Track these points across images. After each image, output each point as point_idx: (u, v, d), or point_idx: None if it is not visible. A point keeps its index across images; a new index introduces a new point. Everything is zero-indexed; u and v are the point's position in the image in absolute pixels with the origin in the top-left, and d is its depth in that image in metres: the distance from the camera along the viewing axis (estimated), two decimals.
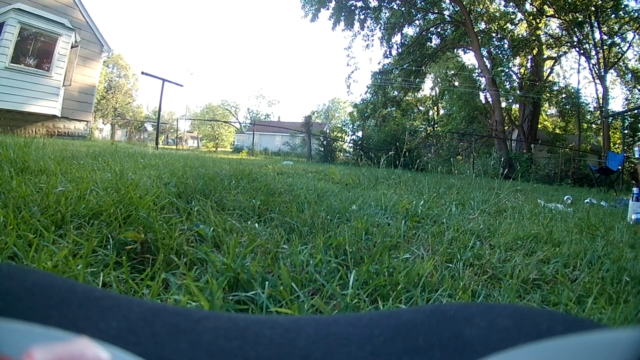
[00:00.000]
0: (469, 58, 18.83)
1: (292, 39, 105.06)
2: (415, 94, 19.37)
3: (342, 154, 12.69)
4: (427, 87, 21.64)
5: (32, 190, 1.32)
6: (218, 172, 2.61)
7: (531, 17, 14.03)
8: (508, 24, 14.68)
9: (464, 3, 13.20)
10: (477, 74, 17.07)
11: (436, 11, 14.76)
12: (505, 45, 14.72)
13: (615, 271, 1.19)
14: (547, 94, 15.59)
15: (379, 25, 15.00)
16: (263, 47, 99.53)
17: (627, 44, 13.96)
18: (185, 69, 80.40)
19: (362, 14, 14.86)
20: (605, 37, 13.61)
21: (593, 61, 14.06)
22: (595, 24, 13.38)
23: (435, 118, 23.41)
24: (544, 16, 13.92)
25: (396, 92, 16.19)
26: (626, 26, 13.38)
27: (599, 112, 15.51)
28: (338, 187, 2.87)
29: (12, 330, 0.20)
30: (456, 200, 2.57)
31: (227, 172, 2.69)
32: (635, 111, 14.50)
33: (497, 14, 14.91)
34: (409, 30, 15.78)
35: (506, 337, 0.26)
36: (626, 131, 13.44)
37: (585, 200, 4.18)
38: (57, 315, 0.25)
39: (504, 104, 15.47)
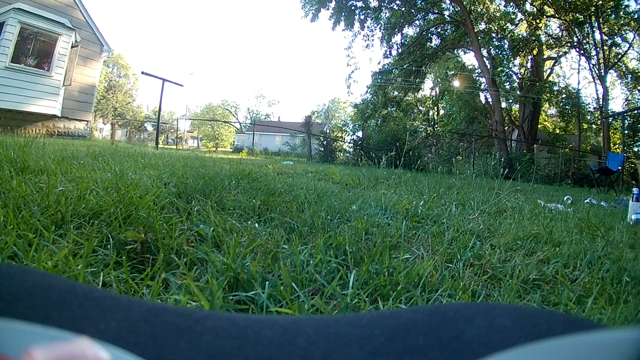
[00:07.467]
0: (469, 58, 18.84)
1: (292, 39, 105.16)
2: (415, 94, 19.37)
3: (342, 154, 12.69)
4: (427, 87, 21.66)
5: (32, 189, 1.32)
6: (218, 172, 2.61)
7: (531, 17, 14.03)
8: (508, 24, 14.68)
9: (464, 3, 13.20)
10: (477, 74, 17.07)
11: (436, 11, 14.76)
12: (505, 46, 14.72)
13: (615, 271, 1.19)
14: (547, 94, 15.58)
15: (379, 25, 15.01)
16: (263, 47, 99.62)
17: (628, 45, 13.98)
18: (185, 69, 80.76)
19: (362, 14, 14.87)
20: (605, 37, 13.61)
21: (593, 61, 14.06)
22: (596, 24, 13.39)
23: (435, 118, 23.40)
24: (544, 16, 13.92)
25: (396, 92, 16.19)
26: (626, 27, 13.38)
27: (599, 112, 15.51)
28: (338, 187, 2.87)
29: (12, 330, 0.20)
30: (456, 201, 2.57)
31: (227, 172, 2.69)
32: (635, 111, 14.50)
33: (497, 14, 14.91)
34: (409, 31, 15.80)
35: (506, 337, 0.26)
36: (626, 131, 13.43)
37: (585, 201, 4.18)
38: (57, 315, 0.25)
39: (504, 104, 15.47)
